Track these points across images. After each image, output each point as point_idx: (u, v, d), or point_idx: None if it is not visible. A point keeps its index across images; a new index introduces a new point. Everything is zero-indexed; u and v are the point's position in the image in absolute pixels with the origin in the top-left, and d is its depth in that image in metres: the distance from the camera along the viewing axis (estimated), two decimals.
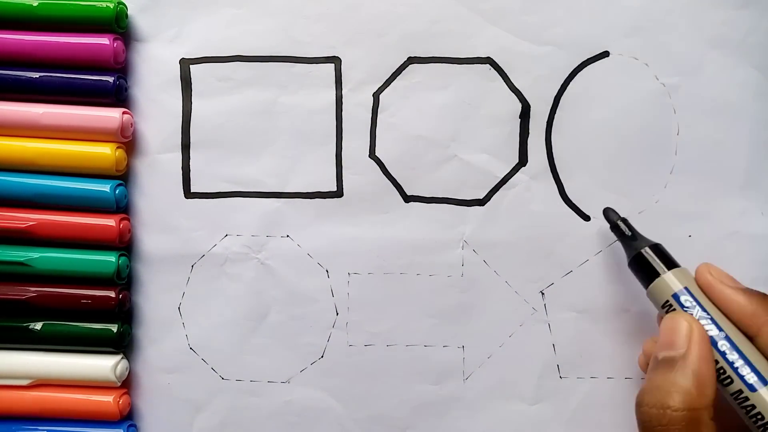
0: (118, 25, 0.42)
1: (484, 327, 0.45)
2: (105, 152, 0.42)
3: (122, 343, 0.43)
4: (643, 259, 0.39)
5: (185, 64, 0.44)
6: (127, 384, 0.45)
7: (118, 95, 0.42)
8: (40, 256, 0.42)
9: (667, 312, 0.37)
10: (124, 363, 0.44)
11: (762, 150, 0.44)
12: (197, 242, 0.44)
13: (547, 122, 0.44)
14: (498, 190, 0.44)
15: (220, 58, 0.44)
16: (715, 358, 0.35)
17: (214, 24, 0.44)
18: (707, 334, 0.35)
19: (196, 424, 0.45)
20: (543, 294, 0.44)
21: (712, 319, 0.36)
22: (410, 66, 0.44)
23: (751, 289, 0.36)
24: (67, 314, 0.42)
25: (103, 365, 0.43)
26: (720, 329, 0.35)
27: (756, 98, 0.44)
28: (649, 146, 0.44)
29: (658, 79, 0.44)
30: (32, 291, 0.42)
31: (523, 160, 0.44)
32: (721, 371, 0.35)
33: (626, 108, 0.44)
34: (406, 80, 0.44)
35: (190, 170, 0.44)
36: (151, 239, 0.44)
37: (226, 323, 0.45)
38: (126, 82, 0.43)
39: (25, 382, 0.43)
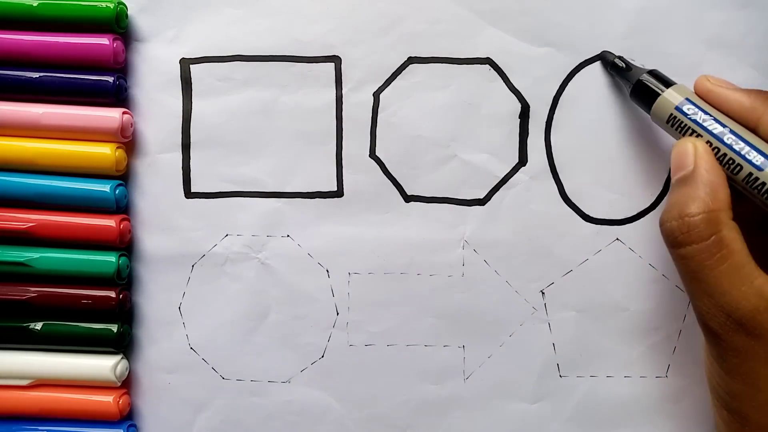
0: (118, 25, 0.42)
1: (484, 326, 0.44)
2: (105, 152, 0.42)
3: (122, 343, 0.43)
4: (643, 85, 0.40)
5: (185, 63, 0.43)
6: (127, 384, 0.44)
7: (118, 95, 0.42)
8: (40, 257, 0.42)
9: (672, 125, 0.39)
10: (124, 363, 0.43)
11: None
12: (197, 242, 0.44)
13: (547, 122, 0.44)
14: (498, 189, 0.44)
15: (220, 57, 0.43)
16: (723, 151, 0.36)
17: (214, 24, 0.43)
18: (708, 150, 0.37)
19: (197, 423, 0.45)
20: (543, 293, 0.44)
21: (715, 119, 0.37)
22: (410, 66, 0.44)
23: (749, 89, 0.38)
24: (67, 314, 0.42)
25: (103, 365, 0.42)
26: (723, 126, 0.37)
27: None
28: (648, 146, 0.44)
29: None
30: (32, 291, 0.42)
31: (522, 159, 0.44)
32: (730, 161, 0.36)
33: (624, 108, 0.43)
34: (406, 80, 0.44)
35: (190, 170, 0.44)
36: (151, 239, 0.44)
37: (226, 323, 0.44)
38: (126, 82, 0.43)
39: (25, 382, 0.42)
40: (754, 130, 0.37)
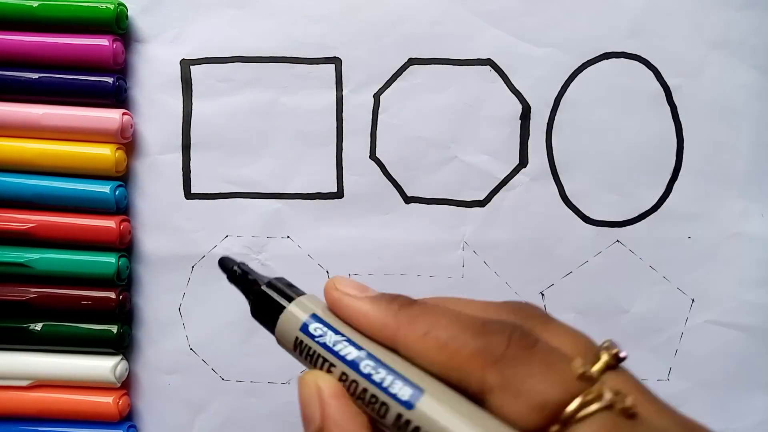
0: (118, 26, 0.41)
1: None
2: (105, 153, 0.41)
3: (122, 344, 0.43)
4: (264, 299, 0.30)
5: (186, 64, 0.43)
6: (126, 385, 0.44)
7: (117, 96, 0.42)
8: (40, 257, 0.41)
9: (301, 354, 0.28)
10: (123, 364, 0.43)
11: (763, 151, 0.43)
12: (198, 243, 0.44)
13: (548, 124, 0.43)
14: (498, 191, 0.44)
15: (220, 59, 0.43)
16: (362, 385, 0.26)
17: (215, 25, 0.43)
18: (335, 385, 0.27)
19: (197, 424, 0.44)
20: (543, 295, 0.44)
21: (348, 340, 0.27)
22: (411, 67, 0.43)
23: (381, 294, 0.28)
24: (67, 315, 0.42)
25: (103, 366, 0.42)
26: (359, 348, 0.27)
27: (757, 99, 0.43)
28: (650, 148, 0.43)
29: (658, 80, 0.43)
30: (32, 292, 0.42)
31: (523, 161, 0.43)
32: (373, 399, 0.26)
33: (626, 109, 0.43)
34: (407, 81, 0.43)
35: (190, 171, 0.44)
36: (151, 240, 0.44)
37: (226, 324, 0.44)
38: (126, 83, 0.43)
39: (25, 383, 0.42)
40: (395, 351, 0.27)
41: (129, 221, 0.43)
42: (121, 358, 0.43)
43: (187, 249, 0.44)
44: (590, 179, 0.43)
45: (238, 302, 0.43)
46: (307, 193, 0.44)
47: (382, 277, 0.44)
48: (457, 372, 0.25)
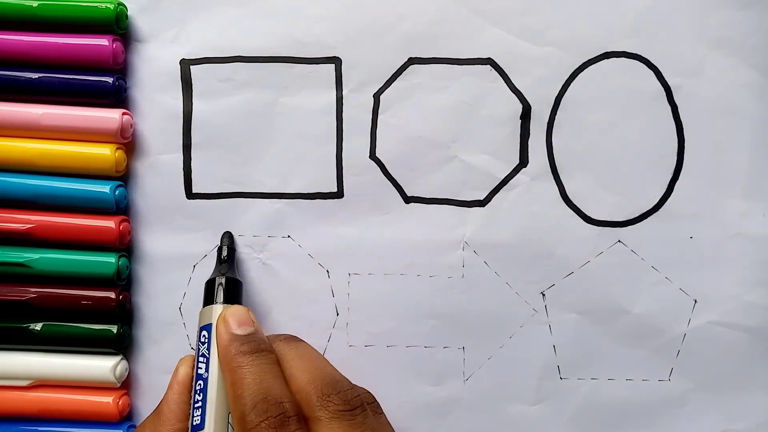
0: (118, 26, 0.41)
1: (484, 328, 0.44)
2: (104, 153, 0.41)
3: (122, 344, 0.42)
4: (212, 286, 0.40)
5: (186, 64, 0.43)
6: (126, 385, 0.44)
7: (117, 96, 0.41)
8: (40, 257, 0.41)
9: (197, 342, 0.38)
10: (123, 364, 0.43)
11: (763, 151, 0.43)
12: (199, 243, 0.43)
13: (548, 123, 0.43)
14: (499, 191, 0.43)
15: (220, 58, 0.43)
16: (192, 396, 0.37)
17: (215, 25, 0.43)
18: (186, 377, 0.38)
19: None
20: (544, 295, 0.44)
21: (209, 359, 0.37)
22: (411, 67, 0.43)
23: (248, 335, 0.37)
24: (67, 315, 0.41)
25: (103, 366, 0.42)
26: (207, 370, 0.36)
27: (757, 99, 0.43)
28: (650, 147, 0.43)
29: (658, 80, 0.43)
30: (32, 292, 0.41)
31: (523, 161, 0.43)
32: (191, 408, 0.36)
33: (627, 109, 0.43)
34: (407, 81, 0.43)
35: (191, 171, 0.43)
36: (152, 240, 0.43)
37: None
38: (125, 82, 0.42)
39: (24, 383, 0.42)
40: None
41: (129, 221, 0.43)
42: (121, 358, 0.43)
43: (188, 249, 0.43)
44: (591, 179, 0.43)
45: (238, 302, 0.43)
46: (308, 193, 0.43)
47: (382, 276, 0.43)
48: (233, 423, 0.34)
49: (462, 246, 0.43)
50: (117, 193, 0.41)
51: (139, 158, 0.43)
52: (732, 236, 0.43)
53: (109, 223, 0.41)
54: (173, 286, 0.44)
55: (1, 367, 0.42)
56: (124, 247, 0.43)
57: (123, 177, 0.43)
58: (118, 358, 0.42)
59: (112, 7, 0.40)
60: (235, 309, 0.38)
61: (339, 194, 0.43)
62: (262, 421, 0.32)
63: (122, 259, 0.42)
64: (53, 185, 0.41)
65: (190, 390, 0.37)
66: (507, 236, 0.43)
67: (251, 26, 0.43)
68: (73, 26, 0.41)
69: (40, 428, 0.42)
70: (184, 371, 0.38)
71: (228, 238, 0.42)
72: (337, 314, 0.44)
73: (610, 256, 0.43)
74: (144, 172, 0.43)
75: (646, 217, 0.43)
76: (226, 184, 0.43)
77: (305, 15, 0.43)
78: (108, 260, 0.41)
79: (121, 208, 0.42)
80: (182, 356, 0.42)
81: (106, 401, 0.42)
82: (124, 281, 0.42)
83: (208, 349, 0.37)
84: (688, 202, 0.43)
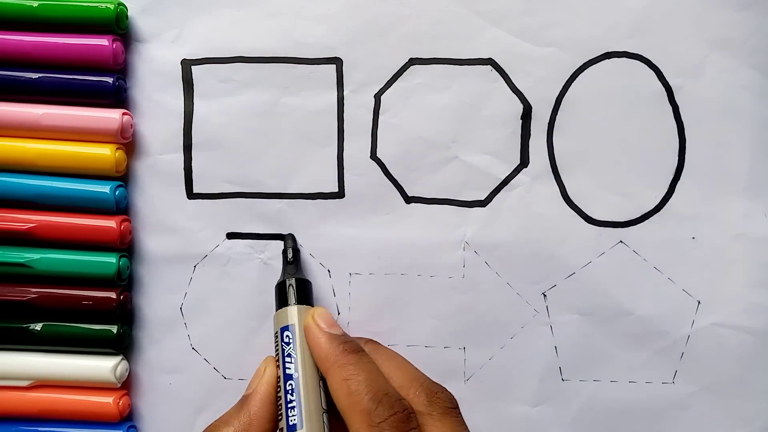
0: (118, 26, 0.41)
1: (485, 328, 0.43)
2: (104, 153, 0.41)
3: (122, 344, 0.42)
4: (282, 288, 0.40)
5: (186, 65, 0.43)
6: (127, 385, 0.43)
7: (117, 96, 0.41)
8: (40, 257, 0.41)
9: (275, 342, 0.39)
10: (124, 364, 0.42)
11: (765, 152, 0.43)
12: (199, 243, 0.43)
13: (549, 123, 0.43)
14: (499, 191, 0.43)
15: (221, 59, 0.43)
16: (279, 394, 0.37)
17: (216, 25, 0.43)
18: (274, 377, 0.38)
19: (198, 424, 0.44)
20: (545, 296, 0.43)
21: (295, 359, 0.37)
22: (411, 67, 0.43)
23: (342, 335, 0.37)
24: (67, 315, 0.41)
25: (103, 366, 0.41)
26: (296, 370, 0.37)
27: (758, 100, 0.43)
28: (651, 148, 0.43)
29: (659, 80, 0.42)
30: (33, 292, 0.41)
31: (524, 161, 0.43)
32: (279, 408, 0.37)
33: (628, 109, 0.43)
34: (408, 81, 0.43)
35: (192, 171, 0.43)
36: (153, 240, 0.43)
37: (228, 323, 0.44)
38: (125, 83, 0.42)
39: (25, 383, 0.42)
40: (324, 380, 0.37)
41: (129, 221, 0.43)
42: (122, 358, 0.42)
43: (189, 249, 0.43)
44: (592, 179, 0.43)
45: (240, 302, 0.43)
46: (309, 193, 0.43)
47: (382, 276, 0.43)
48: (348, 418, 0.34)
49: (463, 246, 0.43)
50: (117, 193, 0.41)
51: (139, 158, 0.43)
52: (734, 237, 0.43)
53: (110, 223, 0.41)
54: (174, 286, 0.43)
55: (2, 368, 0.42)
56: (125, 247, 0.42)
57: (123, 177, 0.43)
58: (118, 359, 0.42)
59: (112, 7, 0.40)
60: (322, 310, 0.39)
61: (340, 194, 0.43)
62: (390, 416, 0.33)
63: (123, 260, 0.42)
64: (53, 185, 0.41)
65: (277, 391, 0.37)
66: (508, 236, 0.43)
67: (252, 27, 0.43)
68: (74, 26, 0.41)
69: (40, 428, 0.42)
70: (271, 372, 0.38)
71: (291, 240, 0.42)
72: (338, 314, 0.43)
73: (612, 257, 0.43)
74: (144, 173, 0.43)
75: (647, 218, 0.43)
76: (226, 185, 0.43)
77: (306, 16, 0.42)
78: (109, 260, 0.41)
79: (122, 209, 0.42)
80: (183, 356, 0.43)
81: (106, 401, 0.42)
82: (124, 281, 0.42)
83: (295, 349, 0.37)
84: (689, 202, 0.43)
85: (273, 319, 0.39)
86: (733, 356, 0.43)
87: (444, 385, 0.42)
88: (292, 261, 0.41)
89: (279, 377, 0.37)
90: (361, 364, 0.35)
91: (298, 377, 0.36)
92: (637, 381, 0.43)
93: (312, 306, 0.40)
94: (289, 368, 0.37)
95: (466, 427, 0.36)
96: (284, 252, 0.42)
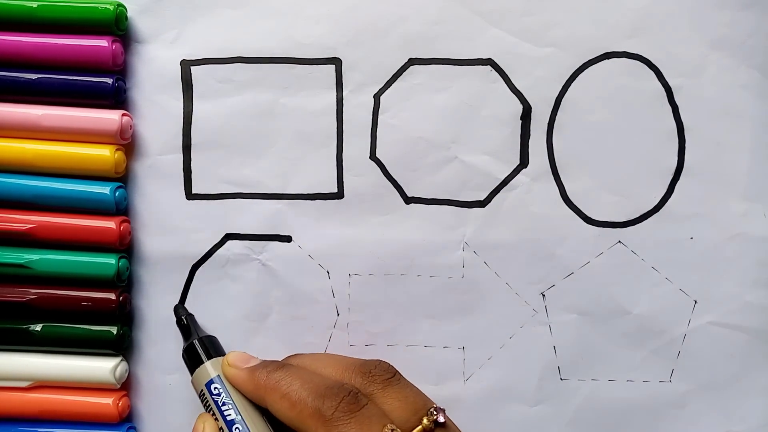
0: (117, 27, 0.41)
1: (484, 328, 0.43)
2: (104, 154, 0.41)
3: (122, 345, 0.42)
4: (192, 349, 0.40)
5: (186, 65, 0.42)
6: (126, 386, 0.43)
7: (116, 97, 0.41)
8: (39, 258, 0.41)
9: (202, 401, 0.38)
10: (123, 365, 0.42)
11: (764, 152, 0.42)
12: (199, 243, 0.43)
13: (549, 124, 0.42)
14: (499, 191, 0.43)
15: (220, 59, 0.42)
16: None
17: (215, 25, 0.42)
18: (218, 430, 0.37)
19: None
20: (544, 295, 0.43)
21: (234, 404, 0.37)
22: (411, 67, 0.42)
23: (259, 363, 0.37)
24: (67, 316, 0.41)
25: (103, 367, 0.41)
26: (237, 413, 0.37)
27: (758, 100, 0.42)
28: (651, 148, 0.42)
29: (659, 80, 0.42)
30: (32, 293, 0.41)
31: (524, 161, 0.42)
32: None
33: (628, 110, 0.42)
34: (407, 82, 0.42)
35: (191, 172, 0.43)
36: (152, 241, 0.43)
37: (227, 324, 0.43)
38: (125, 83, 0.42)
39: (24, 384, 0.41)
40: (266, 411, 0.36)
41: (129, 222, 0.42)
42: (121, 359, 0.42)
43: (188, 249, 0.43)
44: (591, 179, 0.42)
45: (239, 302, 0.43)
46: (308, 194, 0.43)
47: (382, 277, 0.43)
48: (303, 428, 0.33)
49: (462, 246, 0.43)
50: (117, 194, 0.41)
51: (138, 159, 0.43)
52: (732, 237, 0.42)
53: (109, 223, 0.41)
54: (173, 287, 0.43)
55: (1, 368, 0.41)
56: (125, 248, 0.42)
57: (123, 178, 0.42)
58: (118, 360, 0.42)
59: (111, 8, 0.40)
60: (234, 354, 0.39)
61: (339, 195, 0.43)
62: (339, 403, 0.33)
63: (122, 260, 0.41)
64: (53, 186, 0.41)
65: None
66: (507, 237, 0.43)
67: (252, 27, 0.42)
68: (73, 27, 0.40)
69: (39, 429, 0.42)
70: (211, 426, 0.37)
71: (182, 309, 0.42)
72: (338, 314, 0.43)
73: (611, 257, 0.43)
74: (144, 173, 0.43)
75: (646, 218, 0.43)
76: (226, 185, 0.43)
77: (305, 16, 0.42)
78: (108, 261, 0.41)
79: (121, 209, 0.42)
80: (182, 357, 0.42)
81: (106, 402, 0.41)
82: (124, 282, 0.42)
83: (228, 396, 0.37)
84: (688, 202, 0.42)
85: (192, 384, 0.39)
86: (729, 355, 0.43)
87: (443, 385, 0.43)
88: (187, 323, 0.41)
89: (221, 428, 0.36)
90: (291, 375, 0.35)
91: (240, 419, 0.36)
92: (634, 380, 0.43)
93: (224, 354, 0.40)
94: (229, 414, 0.37)
95: (412, 387, 0.36)
96: (179, 322, 0.42)
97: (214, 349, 0.40)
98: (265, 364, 0.37)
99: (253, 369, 0.37)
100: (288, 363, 0.37)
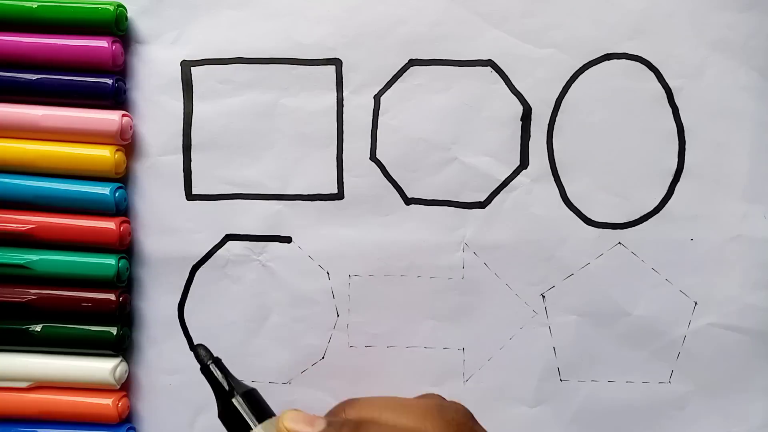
0: (117, 28, 0.40)
1: (484, 329, 0.43)
2: (104, 155, 0.40)
3: (121, 346, 0.42)
4: (233, 412, 0.34)
5: (186, 66, 0.42)
6: (126, 387, 0.43)
7: (116, 97, 0.41)
8: (40, 259, 0.40)
9: None
10: (123, 366, 0.42)
11: (764, 153, 0.42)
12: (199, 244, 0.43)
13: (549, 125, 0.42)
14: (499, 192, 0.43)
15: (221, 60, 0.42)
16: None
17: (216, 26, 0.42)
18: None
19: (198, 425, 0.43)
20: (544, 297, 0.43)
21: None
22: (411, 68, 0.42)
23: (329, 423, 0.33)
24: (66, 317, 0.41)
25: (103, 368, 0.41)
26: None
27: (758, 101, 0.42)
28: (651, 149, 0.42)
29: (659, 81, 0.42)
30: (32, 293, 0.41)
31: (524, 162, 0.42)
32: None
33: (628, 111, 0.42)
34: (407, 82, 0.42)
35: (191, 172, 0.43)
36: (152, 241, 0.43)
37: (227, 325, 0.43)
38: (125, 84, 0.42)
39: (24, 385, 0.41)
40: None
41: (129, 222, 0.42)
42: (121, 360, 0.42)
43: (188, 250, 0.43)
44: (591, 181, 0.42)
45: (239, 303, 0.43)
46: (308, 195, 0.43)
47: (382, 278, 0.43)
48: None
49: (462, 247, 0.43)
50: (117, 194, 0.41)
51: (138, 160, 0.42)
52: (732, 238, 0.42)
53: (109, 224, 0.41)
54: (173, 288, 0.43)
55: (1, 369, 0.41)
56: (124, 248, 0.42)
57: (123, 178, 0.42)
58: (117, 360, 0.42)
59: (111, 8, 0.40)
60: (292, 414, 0.33)
61: (339, 196, 0.43)
62: None
63: (122, 261, 0.41)
64: (53, 187, 0.41)
65: None
66: (507, 238, 0.43)
67: (252, 28, 0.42)
68: (73, 28, 0.40)
69: (39, 430, 0.42)
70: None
71: (205, 351, 0.36)
72: (338, 315, 0.43)
73: (611, 258, 0.43)
74: (144, 174, 0.42)
75: (646, 219, 0.43)
76: (226, 186, 0.43)
77: (306, 17, 0.42)
78: (108, 262, 0.41)
79: (121, 210, 0.42)
80: (182, 357, 0.42)
81: (105, 403, 0.41)
82: (124, 283, 0.42)
83: None
84: (688, 204, 0.42)
85: None
86: (728, 356, 0.43)
87: (443, 386, 0.43)
88: (217, 374, 0.35)
89: None
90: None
91: None
92: (634, 381, 0.43)
93: (272, 414, 0.35)
94: None
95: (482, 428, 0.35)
96: (204, 370, 0.35)
97: (258, 407, 0.34)
98: (340, 424, 0.33)
99: (317, 422, 0.33)
100: (362, 421, 0.33)
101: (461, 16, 0.42)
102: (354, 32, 0.42)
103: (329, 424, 0.33)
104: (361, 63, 0.42)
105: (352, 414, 0.35)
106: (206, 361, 0.35)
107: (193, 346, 0.39)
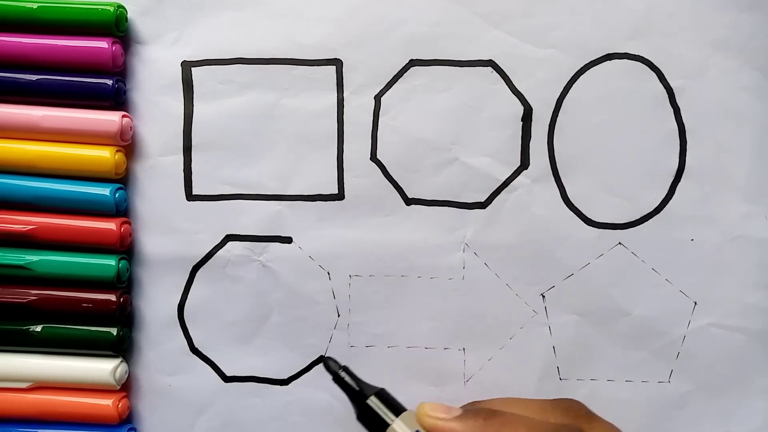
0: (117, 29, 0.40)
1: (484, 329, 0.43)
2: (104, 155, 0.40)
3: (122, 347, 0.41)
4: (370, 411, 0.36)
5: (187, 66, 0.42)
6: (126, 387, 0.43)
7: (116, 98, 0.40)
8: (40, 260, 0.40)
9: None
10: (123, 366, 0.42)
11: (765, 154, 0.42)
12: (199, 245, 0.42)
13: (550, 125, 0.42)
14: (499, 193, 0.42)
15: (221, 60, 0.42)
16: None
17: (216, 27, 0.42)
18: None
19: (198, 425, 0.43)
20: (544, 297, 0.42)
21: None
22: (412, 69, 0.42)
23: (465, 411, 0.35)
24: (67, 317, 0.40)
25: (103, 368, 0.41)
26: None
27: (760, 101, 0.42)
28: (652, 149, 0.42)
29: (661, 82, 0.41)
30: (33, 294, 0.40)
31: (524, 163, 0.42)
32: None
33: (629, 111, 0.42)
34: (408, 83, 0.42)
35: (191, 173, 0.42)
36: (153, 242, 0.42)
37: (228, 325, 0.43)
38: (125, 85, 0.41)
39: (24, 385, 0.41)
40: None
41: (129, 223, 0.42)
42: (121, 361, 0.41)
43: (188, 251, 0.42)
44: (592, 181, 0.42)
45: (239, 303, 0.42)
46: (308, 195, 0.42)
47: (382, 278, 0.42)
48: None
49: (462, 248, 0.42)
50: (117, 195, 0.40)
51: (139, 160, 0.42)
52: (733, 239, 0.42)
53: (110, 225, 0.40)
54: (173, 289, 0.42)
55: (1, 369, 0.41)
56: (125, 249, 0.42)
57: (123, 179, 0.42)
58: (117, 361, 0.41)
59: (111, 9, 0.39)
60: (429, 405, 0.35)
61: (340, 196, 0.42)
62: None
63: (122, 262, 0.41)
64: (53, 187, 0.40)
65: None
66: (507, 238, 0.42)
67: (252, 28, 0.41)
68: (73, 28, 0.40)
69: (39, 430, 0.41)
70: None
71: (333, 362, 0.38)
72: (338, 315, 0.43)
73: (611, 258, 0.42)
74: (144, 174, 0.42)
75: (647, 220, 0.42)
76: (226, 186, 0.42)
77: (306, 17, 0.41)
78: (108, 263, 0.40)
79: (121, 211, 0.41)
80: (182, 357, 0.42)
81: (105, 404, 0.41)
82: (124, 283, 0.41)
83: None
84: (689, 204, 0.42)
85: None
86: (728, 356, 0.43)
87: (444, 386, 0.43)
88: (350, 380, 0.37)
89: None
90: (509, 420, 0.34)
91: None
92: (633, 380, 0.43)
93: (404, 409, 0.37)
94: None
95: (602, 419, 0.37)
96: (336, 379, 0.38)
97: (391, 404, 0.37)
98: (475, 412, 0.35)
99: (464, 418, 0.34)
100: (495, 409, 0.35)
101: (462, 17, 0.41)
102: (354, 33, 0.41)
103: (465, 411, 0.35)
104: (361, 63, 0.41)
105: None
106: (336, 370, 0.38)
107: (322, 359, 0.40)
